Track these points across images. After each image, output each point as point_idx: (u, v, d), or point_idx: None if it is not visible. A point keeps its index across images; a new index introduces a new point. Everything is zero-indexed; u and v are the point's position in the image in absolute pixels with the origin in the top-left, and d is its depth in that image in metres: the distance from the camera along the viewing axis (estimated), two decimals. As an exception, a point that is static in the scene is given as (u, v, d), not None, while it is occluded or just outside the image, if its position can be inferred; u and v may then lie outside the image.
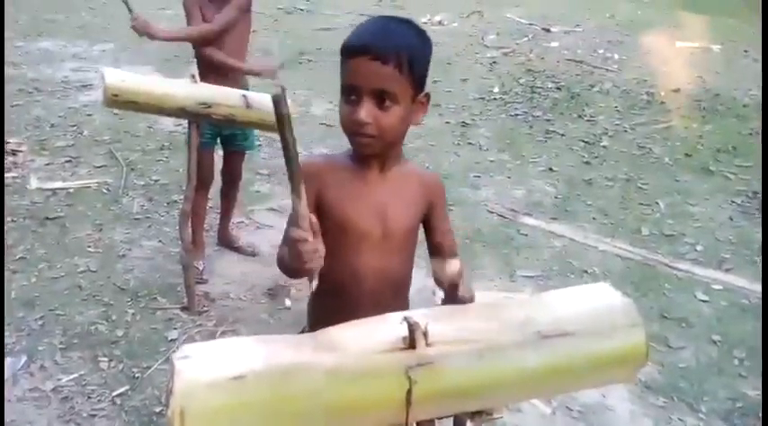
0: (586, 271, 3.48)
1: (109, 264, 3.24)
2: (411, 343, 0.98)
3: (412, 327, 0.98)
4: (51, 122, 4.89)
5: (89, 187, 3.98)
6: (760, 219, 4.11)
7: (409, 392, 0.97)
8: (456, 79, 6.38)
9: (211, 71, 2.96)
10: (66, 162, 4.29)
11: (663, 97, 6.29)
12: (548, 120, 5.63)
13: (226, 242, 3.47)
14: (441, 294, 1.17)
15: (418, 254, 1.49)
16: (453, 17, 8.95)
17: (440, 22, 8.44)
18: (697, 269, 3.57)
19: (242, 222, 3.73)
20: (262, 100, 2.72)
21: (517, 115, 5.74)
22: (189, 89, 2.62)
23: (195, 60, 3.09)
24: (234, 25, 2.98)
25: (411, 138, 1.42)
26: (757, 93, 6.40)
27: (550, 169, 4.71)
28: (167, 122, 4.73)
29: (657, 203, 4.31)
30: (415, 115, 1.35)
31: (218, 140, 3.19)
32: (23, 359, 2.57)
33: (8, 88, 5.25)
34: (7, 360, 2.54)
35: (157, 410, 2.39)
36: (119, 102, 2.58)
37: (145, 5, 8.41)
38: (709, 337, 3.02)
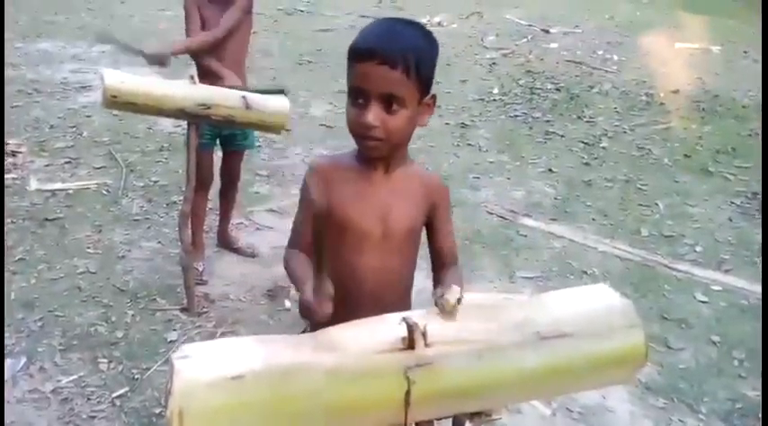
0: (586, 272, 3.49)
1: (108, 265, 3.24)
2: (410, 344, 0.98)
3: (411, 328, 0.98)
4: (51, 123, 4.89)
5: (88, 188, 3.98)
6: (759, 220, 4.11)
7: (408, 392, 0.97)
8: (455, 80, 6.38)
9: (212, 70, 2.96)
10: (66, 163, 4.29)
11: (662, 98, 6.29)
12: (547, 121, 5.64)
13: (225, 243, 3.47)
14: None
15: (419, 255, 1.49)
16: (453, 18, 8.95)
17: (439, 23, 8.44)
18: (696, 270, 3.57)
19: (241, 223, 3.73)
20: (261, 100, 2.72)
21: (516, 116, 5.74)
22: (188, 90, 2.62)
23: (195, 61, 3.09)
24: (238, 27, 2.99)
25: (411, 139, 1.42)
26: (757, 93, 6.40)
27: (550, 170, 4.72)
28: (167, 123, 4.73)
29: (657, 204, 4.31)
30: (422, 117, 1.37)
31: (218, 141, 3.19)
32: (23, 360, 2.57)
33: (7, 89, 5.25)
34: (7, 362, 2.54)
35: (157, 411, 2.39)
36: (118, 103, 2.58)
37: (145, 7, 8.47)
38: (709, 338, 3.02)
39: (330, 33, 7.90)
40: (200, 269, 3.17)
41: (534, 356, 1.04)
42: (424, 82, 1.31)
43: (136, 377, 2.55)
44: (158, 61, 2.91)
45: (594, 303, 1.14)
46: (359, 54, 1.28)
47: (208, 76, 2.91)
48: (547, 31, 8.54)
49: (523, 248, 3.69)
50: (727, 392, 2.69)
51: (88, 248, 3.37)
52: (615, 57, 7.59)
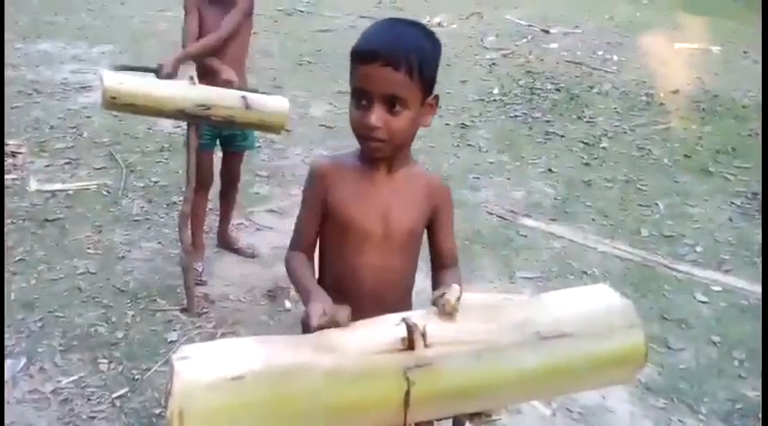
0: (586, 273, 3.48)
1: (108, 266, 3.24)
2: (410, 344, 0.99)
3: (410, 328, 0.98)
4: (51, 124, 4.89)
5: (88, 189, 3.98)
6: (759, 220, 4.11)
7: (407, 393, 0.97)
8: (455, 81, 6.38)
9: (211, 71, 2.96)
10: (66, 163, 4.29)
11: (662, 98, 6.29)
12: (547, 122, 5.64)
13: (225, 243, 3.47)
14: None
15: (420, 256, 1.49)
16: (453, 19, 8.95)
17: (439, 24, 8.44)
18: (696, 270, 3.57)
19: (241, 224, 3.73)
20: (261, 101, 2.73)
21: (516, 116, 5.74)
22: (187, 91, 2.62)
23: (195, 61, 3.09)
24: (238, 29, 2.99)
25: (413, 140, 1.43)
26: (756, 94, 6.40)
27: (550, 170, 4.72)
28: (167, 124, 4.73)
29: (657, 204, 4.31)
30: (425, 117, 1.37)
31: (218, 142, 3.19)
32: (23, 360, 2.57)
33: (7, 90, 5.25)
34: (7, 362, 2.54)
35: (157, 412, 2.39)
36: (117, 104, 2.59)
37: (145, 7, 8.47)
38: (709, 338, 3.02)
39: (330, 34, 7.90)
40: (200, 269, 3.17)
41: (534, 356, 1.04)
42: (427, 82, 1.32)
43: (136, 377, 2.55)
44: (168, 75, 2.90)
45: (594, 303, 1.14)
46: (362, 56, 1.29)
47: (207, 77, 2.91)
48: (547, 32, 8.53)
49: (523, 248, 3.69)
50: (728, 392, 2.69)
51: (88, 249, 3.37)
52: (615, 58, 7.59)
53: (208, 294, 3.09)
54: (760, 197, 4.38)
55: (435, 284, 1.46)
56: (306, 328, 1.22)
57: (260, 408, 0.92)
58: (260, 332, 2.80)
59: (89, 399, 2.42)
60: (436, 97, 1.37)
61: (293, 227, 1.49)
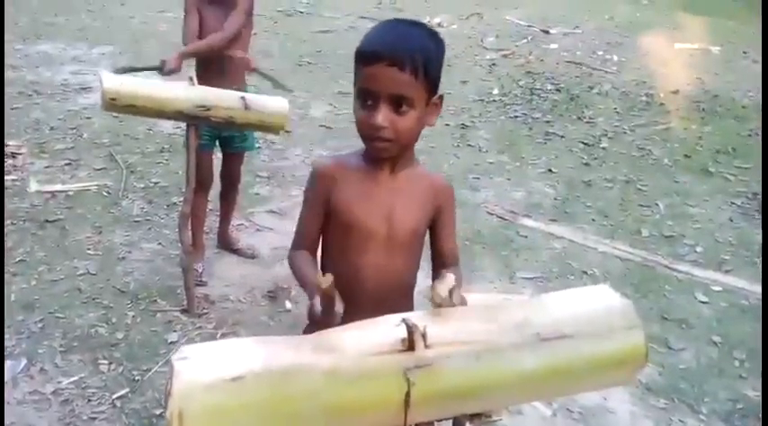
0: (586, 273, 3.48)
1: (108, 267, 3.24)
2: (410, 345, 0.98)
3: (411, 329, 0.98)
4: (51, 125, 4.89)
5: (89, 189, 3.98)
6: (759, 220, 4.11)
7: (408, 394, 0.97)
8: (455, 81, 6.38)
9: (211, 72, 2.96)
10: (66, 164, 4.29)
11: (662, 98, 6.29)
12: (547, 122, 5.64)
13: (225, 244, 3.47)
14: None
15: (422, 256, 1.49)
16: (452, 19, 8.95)
17: (439, 24, 8.44)
18: (697, 270, 3.57)
19: (242, 224, 3.73)
20: (260, 101, 2.72)
21: (516, 117, 5.74)
22: (187, 92, 2.62)
23: (195, 60, 3.09)
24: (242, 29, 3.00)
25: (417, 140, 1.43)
26: (756, 94, 6.41)
27: (550, 170, 4.72)
28: (167, 125, 4.73)
29: (657, 204, 4.31)
30: (429, 117, 1.38)
31: (217, 142, 3.19)
32: (23, 361, 2.57)
33: (8, 91, 5.25)
34: (7, 363, 2.54)
35: (158, 412, 2.39)
36: (117, 105, 2.58)
37: (145, 8, 8.47)
38: (710, 338, 3.02)
39: (330, 34, 7.90)
40: (201, 270, 3.17)
41: (534, 357, 1.04)
42: (431, 82, 1.33)
43: (136, 378, 2.55)
44: (171, 72, 2.90)
45: (594, 304, 1.14)
46: (367, 56, 1.29)
47: (207, 78, 2.91)
48: (547, 32, 8.54)
49: (523, 249, 3.69)
50: (728, 392, 2.69)
51: (88, 249, 3.37)
52: (615, 58, 7.59)
53: (208, 295, 3.09)
54: (760, 197, 4.39)
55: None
56: (312, 321, 1.23)
57: (260, 408, 0.92)
58: (260, 332, 2.80)
59: (90, 400, 2.42)
60: (441, 97, 1.38)
61: (295, 227, 1.49)
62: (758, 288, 3.37)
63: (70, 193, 3.91)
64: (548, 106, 5.99)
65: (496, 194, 4.33)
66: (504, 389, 1.05)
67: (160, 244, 3.47)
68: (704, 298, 3.31)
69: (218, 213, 3.46)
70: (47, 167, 4.24)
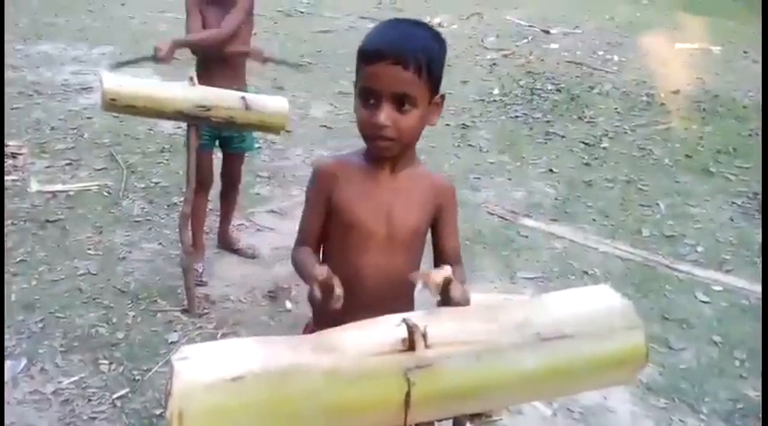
0: (587, 273, 3.48)
1: (109, 267, 3.24)
2: (410, 345, 0.98)
3: (411, 329, 0.98)
4: (51, 125, 4.89)
5: (89, 190, 3.98)
6: (760, 220, 4.11)
7: (408, 394, 0.97)
8: (456, 81, 6.38)
9: (211, 72, 2.96)
10: (67, 164, 4.29)
11: (663, 98, 6.29)
12: (547, 122, 5.64)
13: (226, 244, 3.47)
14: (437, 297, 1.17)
15: (423, 256, 1.49)
16: (453, 19, 8.95)
17: (439, 24, 8.43)
18: (697, 270, 3.57)
19: (242, 224, 3.73)
20: (260, 101, 2.72)
21: (517, 117, 5.74)
22: (187, 92, 2.61)
23: (195, 61, 3.09)
24: (241, 28, 3.00)
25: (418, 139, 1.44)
26: (757, 94, 6.40)
27: (550, 170, 4.72)
28: (167, 125, 4.73)
29: (658, 204, 4.31)
30: (431, 116, 1.38)
31: (217, 142, 3.19)
32: (24, 361, 2.57)
33: (8, 91, 5.25)
34: (7, 363, 2.54)
35: (158, 412, 2.39)
36: (117, 106, 2.58)
37: (145, 8, 8.47)
38: (710, 338, 3.02)
39: (330, 35, 7.90)
40: (201, 270, 3.17)
41: (534, 357, 1.04)
42: (434, 81, 1.33)
43: (137, 378, 2.55)
44: (163, 59, 2.90)
45: (595, 304, 1.14)
46: (369, 55, 1.29)
47: (208, 78, 2.91)
48: (547, 32, 8.54)
49: (524, 248, 3.69)
50: (729, 392, 2.69)
51: (89, 249, 3.37)
52: (615, 58, 7.59)
53: (208, 295, 3.09)
54: (760, 197, 4.38)
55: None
56: (313, 306, 1.22)
57: (259, 409, 0.92)
58: (260, 332, 2.81)
59: (90, 400, 2.42)
60: (442, 96, 1.38)
61: (297, 227, 1.49)
62: (758, 288, 3.36)
63: (71, 193, 3.91)
64: (548, 106, 5.99)
65: (497, 194, 4.33)
66: (504, 389, 1.05)
67: (160, 244, 3.47)
68: (705, 298, 3.31)
69: (219, 213, 3.46)
70: (47, 167, 4.24)
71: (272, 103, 2.76)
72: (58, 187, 3.97)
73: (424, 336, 0.99)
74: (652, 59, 7.56)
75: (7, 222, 3.52)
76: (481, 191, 4.34)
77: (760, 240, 3.88)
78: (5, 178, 3.93)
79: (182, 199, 3.09)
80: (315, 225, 1.46)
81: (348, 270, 1.39)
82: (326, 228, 1.45)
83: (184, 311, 2.93)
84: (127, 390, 2.48)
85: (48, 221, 3.59)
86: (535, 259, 3.59)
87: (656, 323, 3.06)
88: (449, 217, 1.48)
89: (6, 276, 3.05)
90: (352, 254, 1.40)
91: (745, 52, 8.10)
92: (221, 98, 2.66)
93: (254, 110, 2.67)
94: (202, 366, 0.93)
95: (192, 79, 2.66)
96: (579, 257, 3.63)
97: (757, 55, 7.57)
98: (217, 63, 3.00)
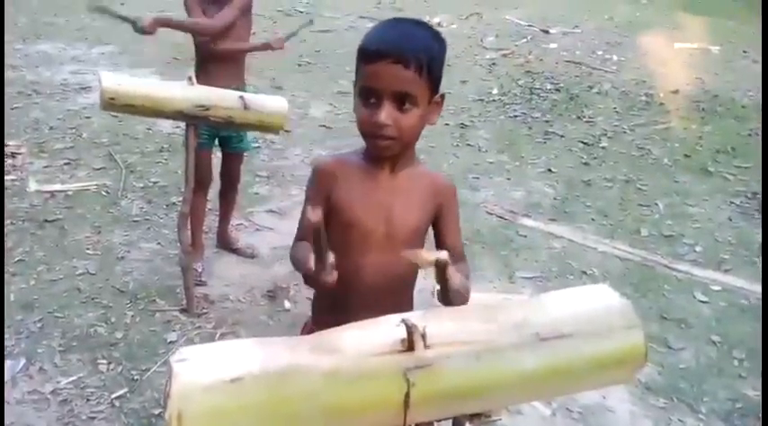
0: (585, 272, 3.48)
1: (108, 266, 3.24)
2: (410, 345, 0.98)
3: (410, 329, 0.98)
4: (50, 125, 4.89)
5: (88, 189, 3.97)
6: (759, 220, 4.11)
7: (407, 394, 0.96)
8: (455, 81, 6.38)
9: (210, 71, 2.96)
10: (65, 164, 4.29)
11: (662, 98, 6.30)
12: (547, 122, 5.64)
13: (225, 244, 3.47)
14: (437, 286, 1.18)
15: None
16: (452, 19, 8.95)
17: (439, 24, 8.43)
18: (696, 269, 3.57)
19: (241, 224, 3.73)
20: (259, 101, 2.72)
21: (516, 116, 5.74)
22: (186, 92, 2.61)
23: (195, 60, 3.09)
24: (234, 25, 2.98)
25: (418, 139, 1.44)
26: (756, 94, 6.41)
27: (549, 170, 4.72)
28: (166, 124, 4.73)
29: (656, 204, 4.31)
30: (432, 115, 1.38)
31: (216, 142, 3.19)
32: (22, 361, 2.57)
33: (7, 91, 5.25)
34: (6, 363, 2.53)
35: (156, 412, 2.39)
36: (116, 105, 2.58)
37: (145, 9, 8.45)
38: (709, 338, 3.02)
39: (329, 34, 7.89)
40: (200, 269, 3.17)
41: (533, 357, 1.04)
42: (434, 81, 1.33)
43: (135, 377, 2.55)
44: (142, 30, 2.88)
45: (594, 303, 1.14)
46: (370, 54, 1.29)
47: (206, 77, 2.91)
48: (546, 32, 8.54)
49: (523, 248, 3.69)
50: (728, 392, 2.69)
51: (87, 249, 3.37)
52: (615, 58, 7.59)
53: (207, 294, 3.09)
54: (759, 196, 4.39)
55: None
56: (308, 280, 1.23)
57: (258, 410, 0.92)
58: (259, 331, 2.81)
59: (88, 399, 2.42)
60: (442, 96, 1.38)
61: (297, 226, 1.49)
62: (758, 288, 3.37)
63: (69, 193, 3.91)
64: (547, 106, 5.99)
65: (496, 194, 4.33)
66: (504, 389, 1.05)
67: (159, 243, 3.46)
68: (704, 298, 3.31)
69: (218, 212, 3.45)
70: (46, 167, 4.24)
71: (270, 103, 2.76)
72: (57, 187, 3.97)
73: (424, 336, 0.99)
74: (651, 59, 7.56)
75: (6, 222, 3.51)
76: (480, 191, 4.34)
77: (759, 240, 3.88)
78: (4, 178, 3.93)
79: (180, 198, 3.09)
80: None
81: (347, 270, 1.39)
82: (326, 228, 1.45)
83: (183, 311, 2.93)
84: (125, 390, 2.48)
85: (46, 221, 3.58)
86: (534, 259, 3.59)
87: (654, 323, 3.06)
88: (450, 216, 1.48)
89: (5, 276, 3.05)
90: (351, 254, 1.40)
91: (744, 52, 8.10)
92: (220, 98, 2.66)
93: (253, 109, 2.67)
94: (201, 367, 0.92)
95: (190, 79, 2.66)
96: (578, 257, 3.63)
97: (757, 55, 7.57)
98: (216, 62, 3.00)
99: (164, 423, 0.92)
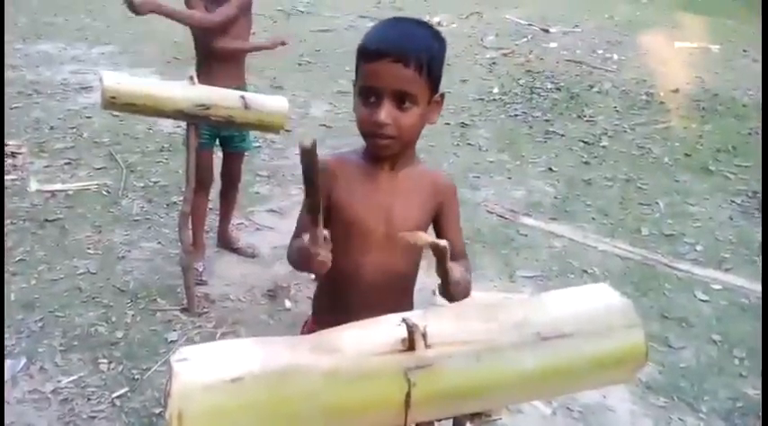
0: (586, 272, 3.48)
1: (108, 266, 3.24)
2: (410, 345, 0.98)
3: (411, 329, 0.98)
4: (51, 124, 4.89)
5: (88, 189, 3.98)
6: (759, 219, 4.11)
7: (408, 394, 0.96)
8: (455, 80, 6.38)
9: (211, 71, 2.96)
10: (66, 164, 4.29)
11: (662, 97, 6.29)
12: (547, 121, 5.64)
13: (225, 243, 3.47)
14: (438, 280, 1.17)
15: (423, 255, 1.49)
16: (452, 18, 8.95)
17: (439, 23, 8.43)
18: (697, 268, 3.57)
19: (242, 223, 3.73)
20: (260, 101, 2.72)
21: (516, 116, 5.74)
22: (187, 91, 2.61)
23: (195, 60, 3.09)
24: (233, 23, 2.98)
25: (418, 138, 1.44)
26: (756, 93, 6.41)
27: (550, 169, 4.72)
28: (167, 124, 4.73)
29: (657, 203, 4.31)
30: (431, 114, 1.38)
31: (217, 141, 3.19)
32: (23, 360, 2.57)
33: (7, 90, 5.25)
34: (7, 362, 2.54)
35: (157, 411, 2.39)
36: (117, 104, 2.58)
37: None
38: (710, 337, 3.02)
39: (329, 34, 7.90)
40: (201, 269, 3.17)
41: (534, 356, 1.04)
42: (434, 80, 1.33)
43: (136, 377, 2.55)
44: (131, 5, 2.89)
45: (594, 303, 1.14)
46: (370, 53, 1.29)
47: (207, 77, 2.91)
48: (546, 31, 8.54)
49: (524, 247, 3.69)
50: (728, 391, 2.69)
51: (88, 249, 3.37)
52: (615, 57, 7.59)
53: (208, 294, 3.09)
54: (760, 195, 4.39)
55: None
56: (304, 258, 1.22)
57: (259, 409, 0.92)
58: (260, 331, 2.81)
59: (89, 399, 2.43)
60: (442, 95, 1.38)
61: (295, 224, 1.49)
62: (758, 287, 3.36)
63: (70, 192, 3.91)
64: (548, 105, 5.99)
65: (496, 193, 4.33)
66: (504, 389, 1.05)
67: (160, 243, 3.47)
68: (704, 297, 3.31)
69: (218, 212, 3.46)
70: (47, 166, 4.24)
71: (271, 103, 2.76)
72: (58, 186, 3.97)
73: (424, 336, 0.98)
74: (651, 58, 7.56)
75: (7, 221, 3.52)
76: (481, 190, 4.34)
77: (759, 239, 3.88)
78: (5, 177, 3.93)
79: (181, 198, 3.09)
80: None
81: (347, 269, 1.39)
82: (325, 226, 1.45)
83: (184, 310, 2.94)
84: (126, 389, 2.48)
85: (47, 220, 3.58)
86: (534, 258, 3.59)
87: (655, 322, 3.06)
88: (450, 215, 1.48)
89: (6, 275, 3.05)
90: (351, 253, 1.40)
91: (744, 51, 8.10)
92: (221, 97, 2.66)
93: (254, 109, 2.67)
94: (201, 367, 0.92)
95: (191, 78, 2.65)
96: (578, 256, 3.63)
97: (757, 54, 7.57)
98: (216, 62, 3.00)
99: (164, 423, 0.92)
